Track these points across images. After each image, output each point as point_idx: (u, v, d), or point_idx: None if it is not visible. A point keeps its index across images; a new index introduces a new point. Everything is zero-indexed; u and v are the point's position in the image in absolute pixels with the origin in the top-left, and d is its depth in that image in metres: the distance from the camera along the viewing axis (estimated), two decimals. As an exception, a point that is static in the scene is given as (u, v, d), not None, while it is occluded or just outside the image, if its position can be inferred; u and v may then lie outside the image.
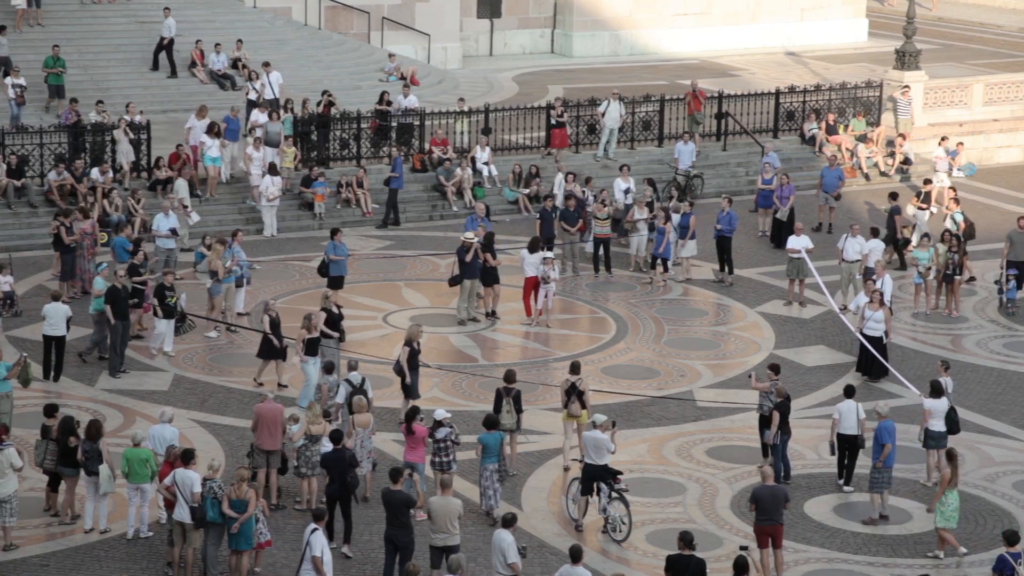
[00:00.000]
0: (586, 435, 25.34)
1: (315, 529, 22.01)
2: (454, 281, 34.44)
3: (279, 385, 30.11)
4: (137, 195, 39.10)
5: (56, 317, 30.43)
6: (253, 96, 44.65)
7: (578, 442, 27.02)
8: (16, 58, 47.62)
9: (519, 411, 26.94)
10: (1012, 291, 36.25)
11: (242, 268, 33.83)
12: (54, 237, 35.87)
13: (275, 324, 30.08)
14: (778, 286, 36.87)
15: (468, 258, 34.01)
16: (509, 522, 22.11)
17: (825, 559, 24.63)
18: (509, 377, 27.13)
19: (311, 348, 29.17)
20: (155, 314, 31.82)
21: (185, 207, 38.37)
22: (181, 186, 39.03)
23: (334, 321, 30.00)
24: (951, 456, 24.95)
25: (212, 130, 40.79)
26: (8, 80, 43.99)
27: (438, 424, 25.05)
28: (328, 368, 27.82)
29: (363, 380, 27.05)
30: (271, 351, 30.15)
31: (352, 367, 27.29)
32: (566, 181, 39.93)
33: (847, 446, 26.78)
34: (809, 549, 24.95)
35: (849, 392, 26.97)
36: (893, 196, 39.87)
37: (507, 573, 21.83)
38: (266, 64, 45.89)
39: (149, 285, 32.35)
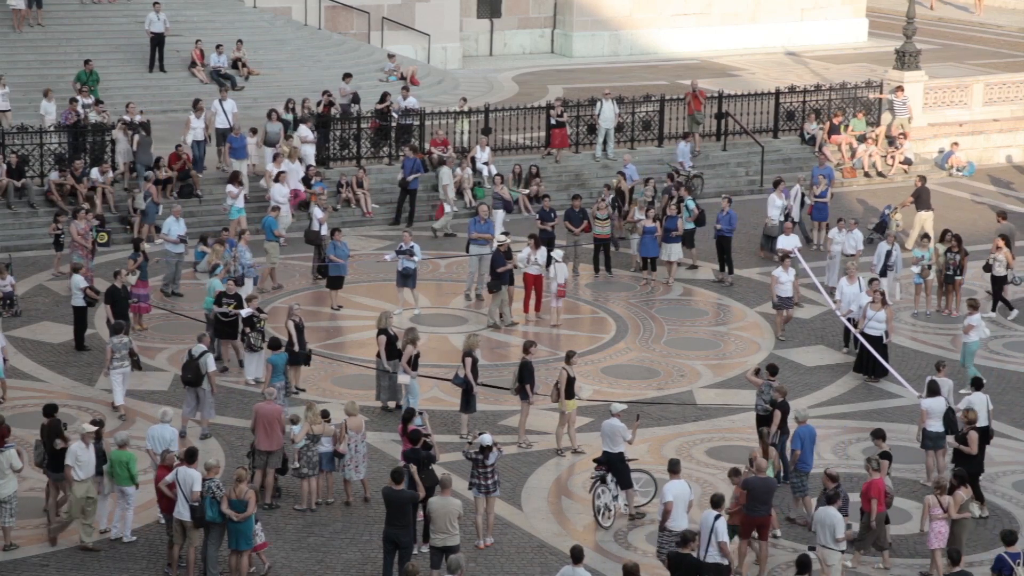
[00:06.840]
0: (603, 424, 25.79)
1: (718, 516, 22.25)
2: (493, 287, 34.30)
3: (296, 388, 30.01)
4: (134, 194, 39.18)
5: (73, 288, 31.97)
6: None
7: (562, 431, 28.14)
8: (16, 58, 47.66)
9: (520, 381, 27.97)
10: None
11: (243, 268, 33.76)
12: (54, 237, 35.87)
13: (299, 329, 29.96)
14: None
15: (500, 269, 34.07)
16: (833, 499, 22.90)
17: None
18: (524, 347, 28.63)
19: (415, 364, 28.77)
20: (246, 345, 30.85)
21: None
22: (445, 173, 40.51)
23: (391, 343, 29.39)
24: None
25: (235, 179, 39.04)
26: None
27: (487, 450, 24.56)
28: (117, 329, 28.39)
29: (203, 352, 27.79)
30: (295, 356, 29.70)
31: (199, 339, 28.30)
32: (493, 183, 40.65)
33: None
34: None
35: (978, 384, 27.24)
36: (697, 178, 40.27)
37: (836, 548, 22.62)
38: (224, 88, 45.13)
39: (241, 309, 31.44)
